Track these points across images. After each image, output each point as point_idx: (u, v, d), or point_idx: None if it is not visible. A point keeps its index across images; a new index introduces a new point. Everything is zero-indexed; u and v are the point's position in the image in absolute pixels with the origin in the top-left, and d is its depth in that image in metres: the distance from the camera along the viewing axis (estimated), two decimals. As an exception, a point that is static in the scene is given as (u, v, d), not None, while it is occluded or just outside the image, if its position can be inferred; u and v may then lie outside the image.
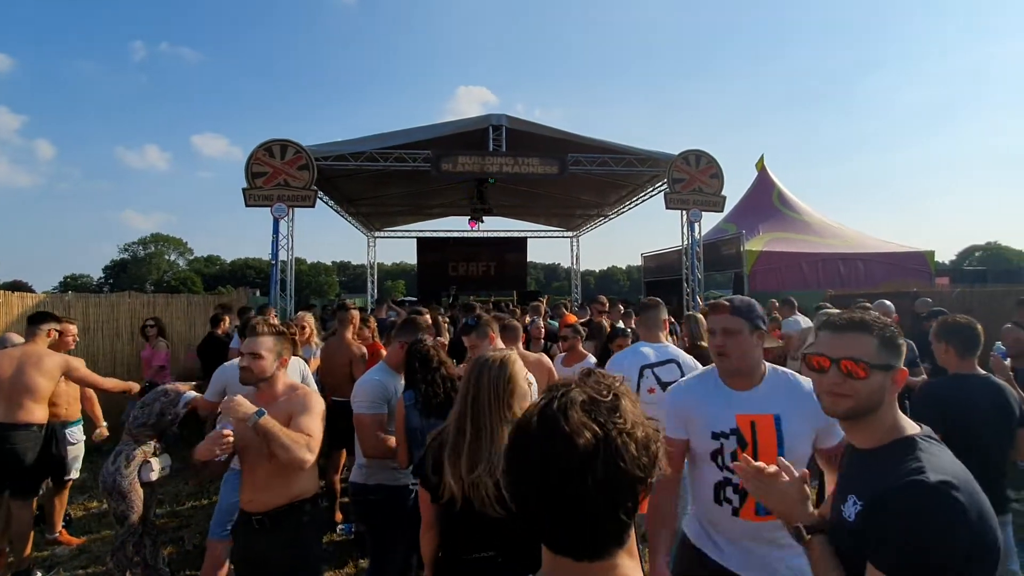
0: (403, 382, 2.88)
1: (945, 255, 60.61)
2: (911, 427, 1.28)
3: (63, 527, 4.32)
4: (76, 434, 4.38)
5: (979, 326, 2.65)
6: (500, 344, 3.30)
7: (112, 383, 4.22)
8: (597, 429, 0.72)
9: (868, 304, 5.42)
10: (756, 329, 1.82)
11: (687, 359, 3.15)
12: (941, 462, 1.17)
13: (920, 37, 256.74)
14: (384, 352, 4.42)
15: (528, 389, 1.89)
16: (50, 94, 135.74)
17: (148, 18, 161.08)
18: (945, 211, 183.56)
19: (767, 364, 1.91)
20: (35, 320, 4.01)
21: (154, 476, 3.30)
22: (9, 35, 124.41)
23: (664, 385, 3.00)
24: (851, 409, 1.27)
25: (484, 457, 1.70)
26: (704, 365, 4.32)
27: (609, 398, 0.77)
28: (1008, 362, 4.46)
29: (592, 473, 0.70)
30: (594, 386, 0.79)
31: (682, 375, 3.03)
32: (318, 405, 2.41)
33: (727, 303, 1.85)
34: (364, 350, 4.52)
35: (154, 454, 3.41)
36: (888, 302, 5.28)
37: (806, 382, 1.82)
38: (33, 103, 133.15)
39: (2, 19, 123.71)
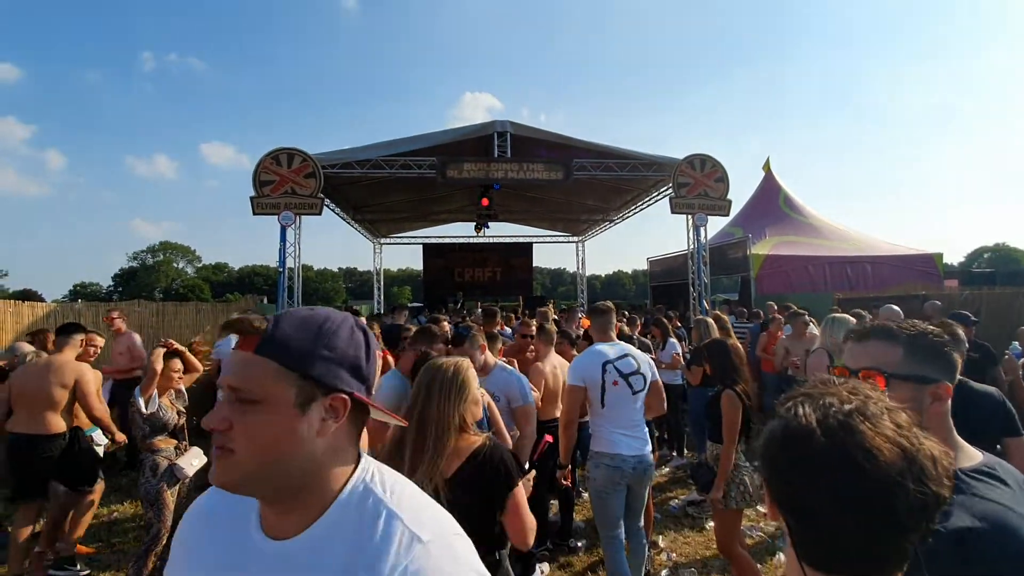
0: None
1: (954, 257, 60.27)
2: (967, 458, 1.11)
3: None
4: (98, 437, 4.38)
5: (956, 331, 2.54)
6: (489, 354, 3.38)
7: (103, 414, 4.10)
8: (899, 444, 0.65)
9: (862, 312, 5.24)
10: (328, 392, 0.78)
11: (636, 351, 3.28)
12: (973, 503, 1.00)
13: (929, 40, 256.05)
14: (390, 358, 4.45)
15: (480, 396, 1.82)
16: (59, 104, 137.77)
17: (157, 29, 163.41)
18: (953, 212, 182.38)
19: (360, 471, 0.82)
20: (66, 331, 4.07)
21: (190, 471, 3.42)
22: (18, 46, 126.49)
23: (625, 377, 3.10)
24: None
25: (426, 460, 1.66)
26: (698, 367, 4.27)
27: (886, 410, 0.69)
28: (1022, 361, 4.40)
29: (904, 493, 0.63)
30: (867, 396, 0.71)
31: (636, 366, 3.15)
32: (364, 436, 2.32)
33: (257, 327, 0.78)
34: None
35: (179, 453, 3.52)
36: (895, 307, 5.12)
37: (420, 522, 0.76)
38: (42, 113, 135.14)
39: (11, 30, 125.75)
